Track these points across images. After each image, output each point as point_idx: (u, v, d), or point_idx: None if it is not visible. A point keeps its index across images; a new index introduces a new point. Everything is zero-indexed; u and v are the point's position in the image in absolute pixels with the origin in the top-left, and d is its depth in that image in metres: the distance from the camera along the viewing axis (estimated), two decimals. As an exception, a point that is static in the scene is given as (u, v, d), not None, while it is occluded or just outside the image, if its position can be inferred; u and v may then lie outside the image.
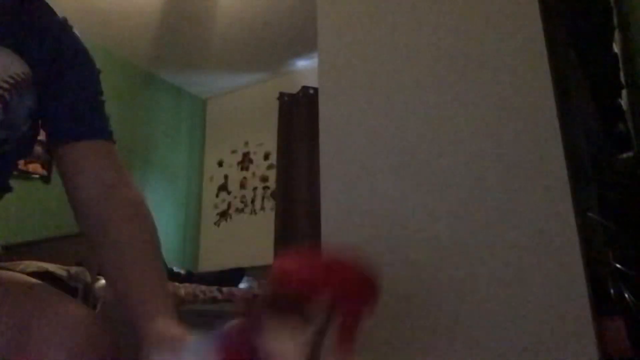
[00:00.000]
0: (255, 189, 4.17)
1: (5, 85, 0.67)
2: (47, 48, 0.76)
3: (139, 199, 0.75)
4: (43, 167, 3.19)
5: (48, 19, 0.79)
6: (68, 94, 0.77)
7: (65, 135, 0.76)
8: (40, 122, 0.77)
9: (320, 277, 0.44)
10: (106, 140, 0.79)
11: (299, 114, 3.93)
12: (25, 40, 0.73)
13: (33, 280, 0.70)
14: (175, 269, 3.34)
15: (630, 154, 1.23)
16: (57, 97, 0.76)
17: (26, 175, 3.11)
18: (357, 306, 0.44)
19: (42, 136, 0.80)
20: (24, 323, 0.58)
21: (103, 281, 2.38)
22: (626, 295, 1.06)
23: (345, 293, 0.44)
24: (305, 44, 3.66)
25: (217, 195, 4.33)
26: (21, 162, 3.03)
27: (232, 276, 3.26)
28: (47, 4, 0.81)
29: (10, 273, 0.71)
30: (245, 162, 4.30)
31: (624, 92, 1.31)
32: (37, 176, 3.17)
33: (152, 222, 0.74)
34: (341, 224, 1.38)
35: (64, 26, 0.81)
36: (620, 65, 1.32)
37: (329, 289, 0.43)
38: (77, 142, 0.76)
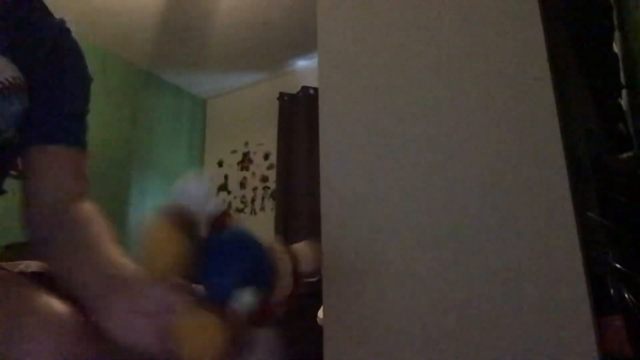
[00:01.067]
0: (255, 189, 4.17)
1: None
2: (43, 52, 0.74)
3: (95, 210, 0.74)
4: (43, 167, 3.18)
5: (45, 22, 0.77)
6: (52, 99, 0.76)
7: (34, 138, 0.74)
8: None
9: None
10: (74, 148, 0.77)
11: (299, 114, 3.93)
12: (20, 44, 0.72)
13: (22, 279, 0.70)
14: (175, 269, 3.34)
15: (630, 154, 1.23)
16: (43, 100, 0.74)
17: (26, 175, 3.11)
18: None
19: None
20: (12, 322, 0.58)
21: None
22: (626, 295, 1.06)
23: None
24: (305, 44, 3.66)
25: (217, 195, 4.33)
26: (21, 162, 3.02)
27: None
28: (44, 6, 0.79)
29: None
30: (245, 162, 4.30)
31: (624, 92, 1.32)
32: (37, 176, 3.17)
33: (108, 225, 0.73)
34: (341, 224, 1.38)
35: (61, 30, 0.79)
36: (620, 65, 1.33)
37: None
38: (44, 146, 0.74)
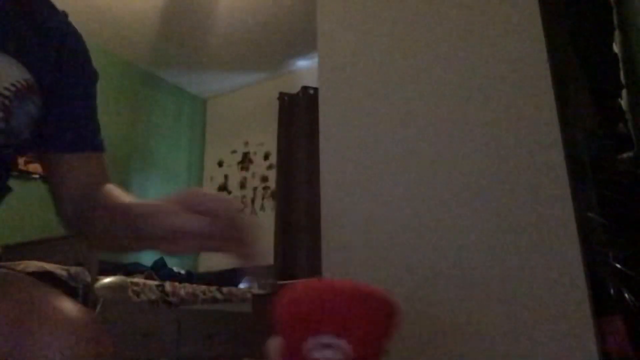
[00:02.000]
0: (255, 189, 4.17)
1: (6, 93, 0.65)
2: (51, 51, 0.74)
3: (122, 191, 0.77)
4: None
5: (51, 20, 0.77)
6: (68, 101, 0.77)
7: (55, 146, 0.77)
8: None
9: (324, 312, 0.46)
10: (95, 151, 0.81)
11: (299, 114, 3.93)
12: (28, 44, 0.71)
13: (30, 278, 0.70)
14: (175, 269, 3.34)
15: (630, 154, 1.23)
16: (58, 103, 0.76)
17: (26, 176, 3.11)
18: (366, 337, 0.46)
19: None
20: (21, 321, 0.58)
21: (103, 281, 2.37)
22: (626, 295, 1.06)
23: (351, 327, 0.46)
24: (305, 44, 3.67)
25: (217, 196, 4.33)
26: (21, 162, 3.03)
27: (232, 276, 3.26)
28: (49, 2, 0.79)
29: (5, 271, 0.71)
30: (245, 162, 4.30)
31: (624, 92, 1.31)
32: (37, 176, 3.17)
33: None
34: (341, 224, 1.38)
35: (66, 25, 0.79)
36: (620, 65, 1.32)
37: (333, 323, 0.45)
38: (65, 153, 0.77)
